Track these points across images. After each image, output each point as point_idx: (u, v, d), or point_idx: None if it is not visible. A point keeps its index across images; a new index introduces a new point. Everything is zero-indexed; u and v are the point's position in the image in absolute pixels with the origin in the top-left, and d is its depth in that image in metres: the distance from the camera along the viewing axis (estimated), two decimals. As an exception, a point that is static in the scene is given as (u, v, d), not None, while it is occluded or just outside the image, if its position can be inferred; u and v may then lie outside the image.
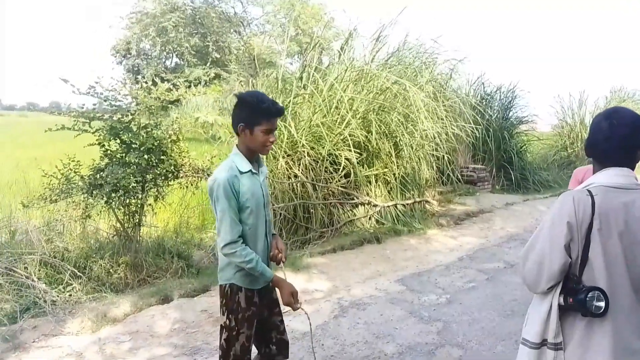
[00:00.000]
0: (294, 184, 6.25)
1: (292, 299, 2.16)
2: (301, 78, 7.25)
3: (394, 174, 7.11)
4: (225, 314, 2.17)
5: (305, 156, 6.34)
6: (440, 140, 7.26)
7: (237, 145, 2.17)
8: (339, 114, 6.80)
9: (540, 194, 10.08)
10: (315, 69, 7.28)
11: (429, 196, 7.72)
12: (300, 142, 6.42)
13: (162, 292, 4.20)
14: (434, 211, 7.62)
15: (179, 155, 5.14)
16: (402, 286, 4.49)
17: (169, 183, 5.20)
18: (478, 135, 9.43)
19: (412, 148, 7.19)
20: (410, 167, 7.27)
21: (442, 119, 7.35)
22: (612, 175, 1.51)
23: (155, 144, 4.74)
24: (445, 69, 9.40)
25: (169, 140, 5.01)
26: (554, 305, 1.49)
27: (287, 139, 6.54)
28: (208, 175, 5.63)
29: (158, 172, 4.93)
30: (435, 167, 7.80)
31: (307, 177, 6.33)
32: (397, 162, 7.12)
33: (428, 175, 7.67)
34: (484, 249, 5.97)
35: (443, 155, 7.49)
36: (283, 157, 6.36)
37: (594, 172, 1.60)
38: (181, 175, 5.26)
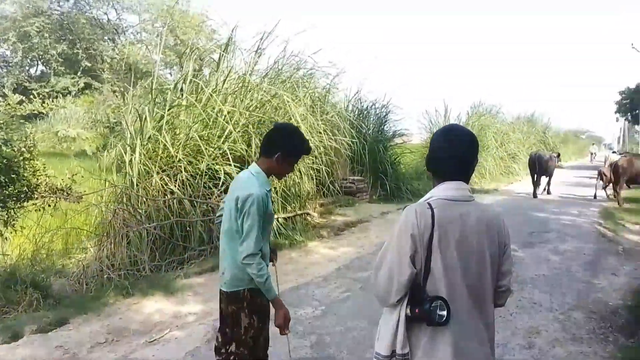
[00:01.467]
0: (170, 201, 5.94)
1: (284, 323, 2.31)
2: (178, 89, 6.97)
3: (275, 188, 7.11)
4: (249, 314, 2.27)
5: (182, 171, 6.07)
6: (319, 154, 7.44)
7: (258, 164, 2.31)
8: (218, 127, 6.64)
9: (413, 202, 10.78)
10: (192, 80, 7.05)
11: (310, 208, 7.86)
12: (177, 156, 6.14)
13: (11, 328, 3.69)
14: (316, 223, 7.77)
15: (33, 175, 4.61)
16: (280, 301, 4.46)
17: (22, 205, 4.64)
18: (356, 149, 9.89)
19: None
20: (291, 180, 7.34)
21: (320, 133, 7.54)
22: (449, 189, 1.61)
23: (4, 162, 4.20)
24: (323, 83, 9.70)
25: (21, 158, 4.48)
26: (401, 317, 1.53)
27: (162, 153, 6.22)
28: (68, 194, 5.12)
29: (8, 194, 4.37)
30: (315, 180, 7.96)
31: (184, 194, 6.06)
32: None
33: (309, 187, 7.80)
34: (359, 257, 6.18)
35: (323, 168, 7.68)
36: (158, 173, 6.03)
37: (433, 186, 1.68)
38: (36, 196, 4.73)
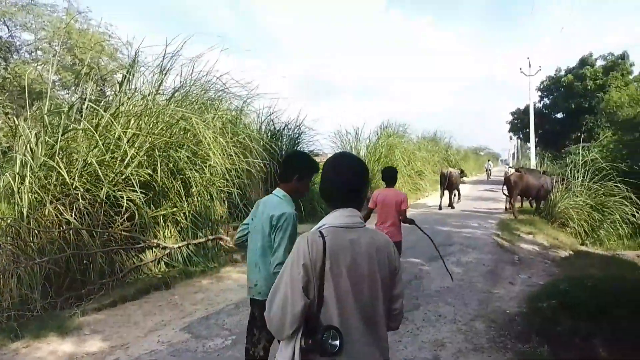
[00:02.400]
0: (65, 232, 5.48)
1: None
2: (73, 111, 6.50)
3: (184, 213, 6.86)
4: None
5: (79, 200, 5.63)
6: (230, 176, 7.30)
7: (280, 188, 2.73)
8: (120, 151, 6.29)
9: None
10: (93, 102, 6.64)
11: (222, 233, 7.65)
12: (72, 184, 5.69)
13: None
14: (229, 247, 7.57)
15: None
16: (187, 334, 4.22)
17: None
18: (269, 170, 9.84)
19: (202, 185, 7.06)
20: (202, 205, 7.12)
21: (231, 155, 7.42)
22: (339, 216, 1.63)
23: None
24: (234, 105, 9.60)
25: None
26: (296, 349, 1.50)
27: (56, 181, 5.74)
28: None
29: None
30: (227, 203, 7.79)
31: (82, 224, 5.62)
32: (187, 201, 6.89)
33: (221, 211, 7.61)
34: (274, 281, 6.10)
35: (235, 191, 7.53)
36: (51, 202, 5.54)
37: (326, 214, 1.70)
38: None
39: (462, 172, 17.09)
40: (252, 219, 2.80)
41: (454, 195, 15.67)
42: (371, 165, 15.70)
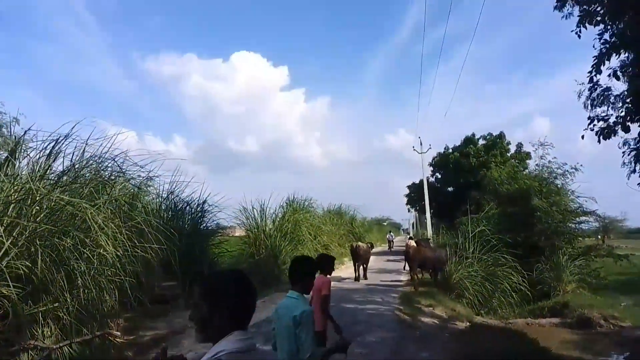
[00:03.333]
0: None
1: None
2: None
3: (67, 308, 6.19)
4: None
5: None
6: (122, 264, 6.80)
7: (293, 290, 3.19)
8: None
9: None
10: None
11: (112, 327, 6.99)
12: None
13: None
14: (119, 343, 6.89)
15: None
16: None
17: None
18: (169, 253, 9.32)
19: (89, 275, 6.48)
20: (88, 297, 6.49)
21: (123, 241, 6.96)
22: (234, 341, 1.57)
23: None
24: (131, 186, 9.16)
25: None
26: None
27: None
28: None
29: None
30: (118, 293, 7.18)
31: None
32: (70, 294, 6.25)
33: (110, 302, 6.98)
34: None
35: (127, 280, 6.99)
36: None
37: (218, 334, 1.61)
38: None
39: (371, 245, 18.25)
40: (274, 327, 3.11)
41: (363, 267, 16.55)
42: (278, 241, 15.62)
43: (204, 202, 12.60)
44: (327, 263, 5.00)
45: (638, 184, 7.70)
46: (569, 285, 13.76)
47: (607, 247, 16.63)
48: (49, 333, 6.10)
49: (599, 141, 7.35)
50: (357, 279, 15.87)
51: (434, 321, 9.35)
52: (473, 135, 35.30)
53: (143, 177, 9.58)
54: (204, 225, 12.92)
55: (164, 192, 11.69)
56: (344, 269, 20.47)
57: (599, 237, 25.74)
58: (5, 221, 5.95)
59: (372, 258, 22.37)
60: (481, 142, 34.64)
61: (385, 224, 59.13)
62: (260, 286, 13.50)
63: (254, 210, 16.66)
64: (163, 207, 11.64)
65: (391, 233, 41.22)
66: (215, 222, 13.41)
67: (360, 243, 17.41)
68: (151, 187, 11.05)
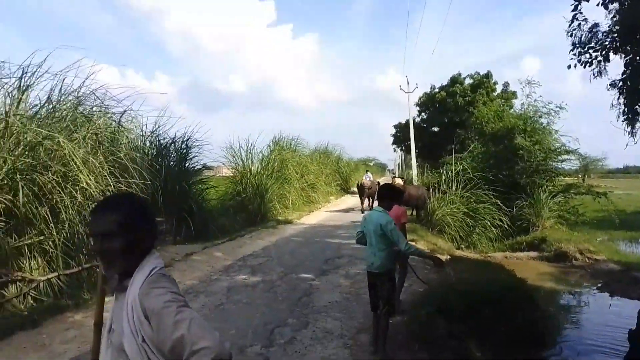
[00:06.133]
0: None
1: (440, 263, 4.56)
2: None
3: (54, 241, 6.20)
4: (388, 282, 4.33)
5: None
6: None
7: (379, 205, 4.44)
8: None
9: (219, 239, 10.64)
10: None
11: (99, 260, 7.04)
12: None
13: None
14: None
15: None
16: (54, 380, 3.80)
17: None
18: (154, 189, 9.27)
19: (73, 210, 6.45)
20: (74, 231, 6.50)
21: (106, 177, 6.88)
22: (156, 258, 1.61)
23: None
24: (112, 122, 8.93)
25: None
26: None
27: None
28: None
29: None
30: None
31: None
32: (56, 227, 6.24)
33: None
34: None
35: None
36: None
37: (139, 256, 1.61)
38: None
39: (378, 183, 19.09)
40: (364, 227, 4.38)
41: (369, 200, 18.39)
42: (264, 180, 15.66)
43: (189, 138, 12.40)
44: (400, 195, 5.36)
45: (623, 121, 7.74)
46: (548, 221, 14.15)
47: (586, 185, 17.01)
48: (36, 265, 6.13)
49: (590, 80, 7.32)
50: (363, 211, 17.49)
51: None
52: (459, 74, 34.81)
53: (124, 113, 9.33)
54: (190, 164, 12.80)
55: (147, 129, 11.45)
56: (331, 207, 20.78)
57: (580, 175, 26.30)
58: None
59: (355, 198, 22.81)
60: (468, 81, 34.22)
61: (371, 164, 59.47)
62: (247, 223, 13.70)
63: (241, 149, 16.56)
64: (147, 145, 11.45)
65: (368, 173, 41.39)
66: (201, 161, 13.29)
67: (364, 180, 19.22)
68: (134, 124, 10.81)
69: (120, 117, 9.09)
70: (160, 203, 9.17)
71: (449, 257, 10.15)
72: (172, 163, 11.93)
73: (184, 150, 12.50)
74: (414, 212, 15.55)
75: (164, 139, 11.93)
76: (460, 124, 31.42)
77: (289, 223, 14.61)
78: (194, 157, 12.73)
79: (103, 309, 1.76)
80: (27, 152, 6.38)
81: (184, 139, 12.24)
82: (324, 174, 24.50)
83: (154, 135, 11.70)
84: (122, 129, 9.33)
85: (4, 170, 5.97)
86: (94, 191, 6.51)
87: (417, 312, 5.38)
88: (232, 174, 16.82)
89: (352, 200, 22.78)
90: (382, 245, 4.19)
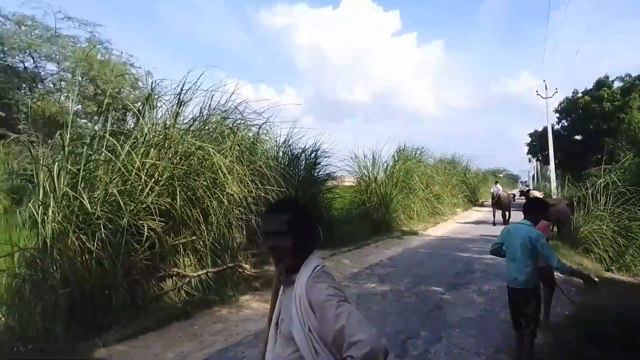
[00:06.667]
0: (88, 261, 5.53)
1: (592, 282, 4.39)
2: (95, 142, 6.63)
3: (203, 241, 6.88)
4: (535, 300, 4.16)
5: (101, 229, 5.69)
6: (248, 204, 7.32)
7: (526, 219, 4.28)
8: (141, 181, 6.37)
9: (345, 247, 10.85)
10: (114, 132, 6.78)
11: (241, 260, 7.65)
12: (94, 213, 5.78)
13: None
14: (248, 275, 7.55)
15: None
16: (207, 367, 4.20)
17: None
18: (287, 195, 9.80)
19: (220, 213, 7.09)
20: (220, 233, 7.14)
21: (248, 183, 7.46)
22: (318, 257, 1.77)
23: None
24: (251, 133, 9.69)
25: None
26: None
27: (78, 210, 5.83)
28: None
29: None
30: (246, 230, 7.79)
31: (104, 253, 5.67)
32: (206, 229, 6.92)
33: (239, 238, 7.61)
34: (293, 310, 6.03)
35: (252, 218, 7.54)
36: (74, 232, 5.61)
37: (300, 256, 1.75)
38: None
39: (513, 195, 20.45)
40: (506, 240, 4.26)
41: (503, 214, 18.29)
42: (389, 189, 15.66)
43: (318, 149, 12.95)
44: (547, 209, 5.22)
45: None
46: None
47: None
48: (189, 262, 6.84)
49: None
50: (494, 223, 17.71)
51: (558, 275, 8.78)
52: (606, 77, 31.18)
53: (262, 125, 10.05)
54: (317, 172, 13.33)
55: (280, 139, 12.19)
56: (457, 219, 19.98)
57: None
58: (147, 163, 6.67)
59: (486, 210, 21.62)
60: (617, 84, 30.51)
61: (501, 175, 55.96)
62: (371, 232, 13.79)
63: (366, 159, 16.77)
64: (280, 154, 12.17)
65: (498, 185, 38.95)
66: (327, 170, 13.74)
67: (501, 192, 18.93)
68: (269, 135, 11.58)
69: (259, 129, 9.80)
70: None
71: (597, 279, 9.10)
72: (301, 171, 12.54)
73: (313, 160, 13.07)
74: (554, 228, 14.24)
75: (294, 148, 12.63)
76: (607, 132, 28.11)
77: (414, 234, 14.38)
78: (322, 166, 13.27)
79: (275, 305, 1.91)
80: (182, 161, 7.18)
81: (314, 149, 12.81)
82: (449, 184, 23.69)
83: (286, 145, 12.44)
84: (260, 139, 10.07)
85: (164, 176, 6.78)
86: (237, 196, 7.09)
87: (562, 336, 4.91)
88: (355, 184, 17.10)
89: (479, 213, 21.68)
90: (529, 260, 4.05)
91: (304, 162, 12.90)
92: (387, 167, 17.52)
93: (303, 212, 1.80)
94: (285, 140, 12.17)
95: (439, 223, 17.92)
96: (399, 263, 9.61)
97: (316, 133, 12.73)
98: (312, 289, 1.60)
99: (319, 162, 13.17)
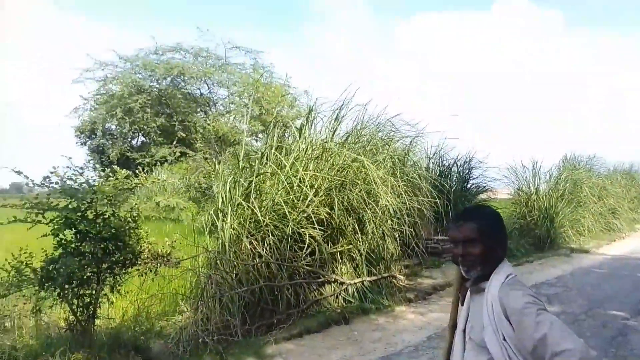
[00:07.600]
0: (259, 264, 6.14)
1: None
2: (263, 156, 7.35)
3: (359, 250, 7.10)
4: None
5: (269, 235, 6.29)
6: (402, 215, 7.37)
7: None
8: (302, 192, 6.87)
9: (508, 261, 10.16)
10: (277, 147, 7.43)
11: (395, 271, 7.71)
12: (264, 221, 6.39)
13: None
14: (401, 286, 7.58)
15: (137, 242, 5.01)
16: (371, 372, 4.33)
17: (127, 271, 5.02)
18: (438, 208, 9.63)
19: (375, 223, 7.26)
20: (375, 243, 7.30)
21: (401, 195, 7.52)
22: (508, 266, 1.76)
23: (112, 232, 4.63)
24: (402, 145, 9.76)
25: (127, 227, 4.90)
26: None
27: (250, 218, 6.51)
28: (167, 260, 5.50)
29: (114, 260, 4.77)
30: (399, 241, 7.84)
31: (271, 257, 6.24)
32: (361, 238, 7.15)
33: (393, 249, 7.69)
34: (452, 325, 5.88)
35: (406, 229, 7.57)
36: (247, 237, 6.29)
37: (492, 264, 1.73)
38: (139, 262, 5.11)
39: None
40: None
41: None
42: (554, 202, 14.29)
43: (470, 160, 12.50)
44: None
45: None
46: None
47: None
48: (346, 270, 7.12)
49: None
50: None
51: None
52: None
53: (413, 136, 10.07)
54: (470, 184, 12.85)
55: (431, 151, 12.06)
56: (631, 238, 17.33)
57: None
58: (307, 175, 7.15)
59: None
60: None
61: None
62: (534, 248, 12.72)
63: (525, 169, 15.57)
64: (431, 165, 12.02)
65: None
66: (480, 181, 13.16)
67: None
68: (419, 147, 11.54)
69: (412, 140, 9.83)
70: (446, 221, 9.42)
71: None
72: (454, 183, 12.19)
73: (466, 172, 12.63)
74: None
75: (446, 160, 12.37)
76: None
77: (584, 252, 12.88)
78: (475, 177, 12.76)
79: (457, 314, 1.92)
80: (339, 173, 7.54)
81: (467, 160, 12.39)
82: (627, 198, 20.66)
83: (437, 156, 12.24)
84: (412, 152, 10.09)
85: (323, 187, 7.19)
86: (391, 207, 7.19)
87: None
88: (512, 195, 15.96)
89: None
90: None
91: (455, 174, 12.55)
92: (549, 177, 16.03)
93: (494, 220, 1.80)
94: (435, 152, 12.00)
95: (614, 240, 15.74)
96: (569, 283, 8.69)
97: (467, 144, 12.34)
98: (507, 297, 1.58)
99: (471, 174, 12.71)
